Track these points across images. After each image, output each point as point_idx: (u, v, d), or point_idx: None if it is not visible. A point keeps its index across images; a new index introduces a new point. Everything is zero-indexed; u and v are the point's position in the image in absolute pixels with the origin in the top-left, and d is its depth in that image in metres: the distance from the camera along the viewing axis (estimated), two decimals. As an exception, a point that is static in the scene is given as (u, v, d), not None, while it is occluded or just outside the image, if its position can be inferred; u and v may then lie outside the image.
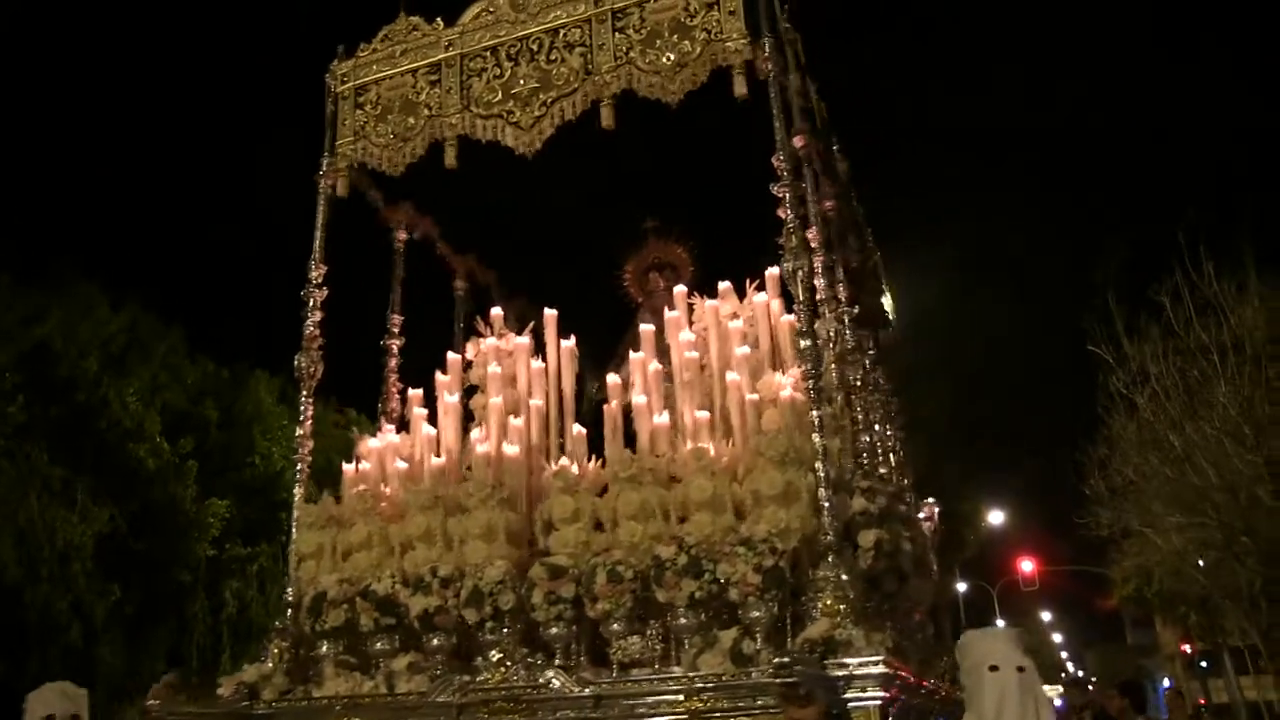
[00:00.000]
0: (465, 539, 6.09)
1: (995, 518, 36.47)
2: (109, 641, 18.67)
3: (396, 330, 7.97)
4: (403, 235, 8.18)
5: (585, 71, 6.75)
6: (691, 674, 5.23)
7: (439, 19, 7.33)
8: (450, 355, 7.44)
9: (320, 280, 7.17)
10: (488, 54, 7.08)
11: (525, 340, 7.32)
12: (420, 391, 7.40)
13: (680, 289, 7.39)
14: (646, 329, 7.16)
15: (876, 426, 7.89)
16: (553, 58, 6.87)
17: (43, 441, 18.53)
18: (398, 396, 7.63)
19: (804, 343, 5.86)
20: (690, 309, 7.26)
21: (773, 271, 6.89)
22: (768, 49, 6.34)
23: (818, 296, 6.85)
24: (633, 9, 6.72)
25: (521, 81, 6.92)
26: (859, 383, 7.38)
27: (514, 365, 7.24)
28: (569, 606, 5.67)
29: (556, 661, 5.62)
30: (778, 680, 4.66)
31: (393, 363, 7.86)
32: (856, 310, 7.73)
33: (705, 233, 8.39)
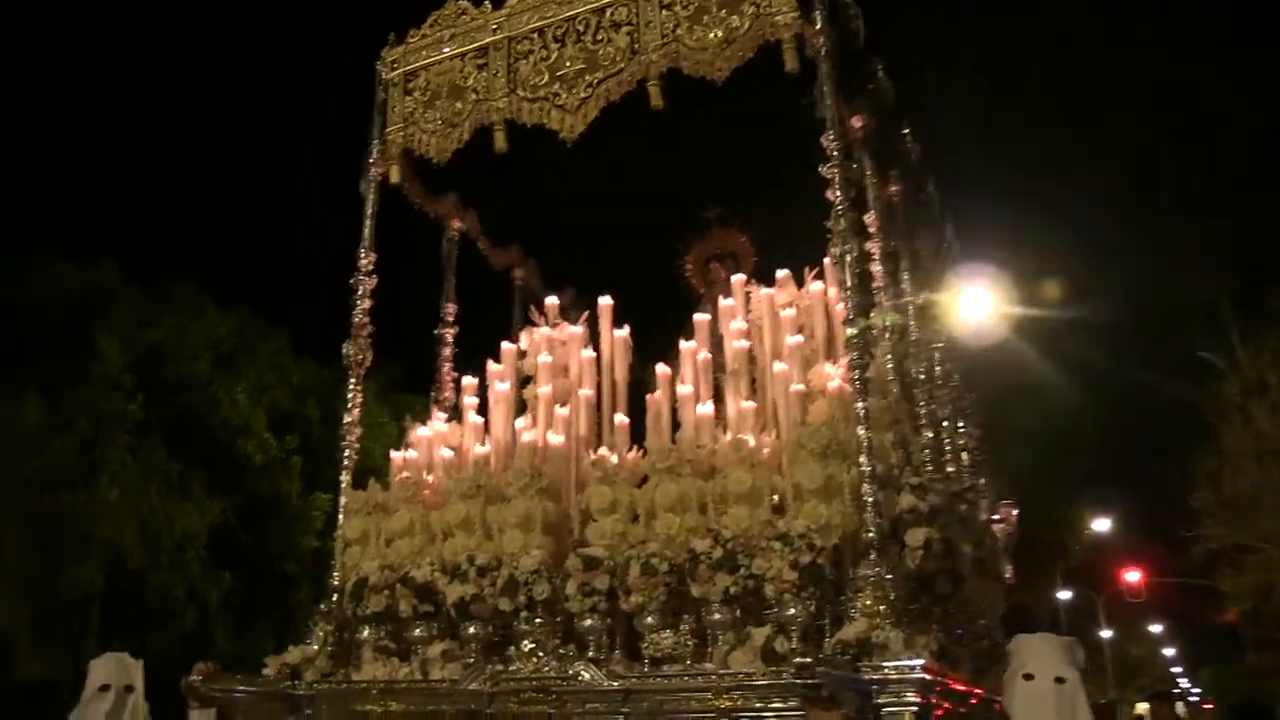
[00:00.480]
0: (504, 528, 6.02)
1: (1100, 525, 35.56)
2: (221, 626, 19.64)
3: (451, 319, 7.95)
4: (457, 224, 8.14)
5: (631, 51, 6.60)
6: (721, 671, 5.10)
7: (487, 2, 7.24)
8: (505, 345, 7.38)
9: (370, 268, 7.15)
10: (534, 36, 6.98)
11: (579, 330, 7.22)
12: (475, 381, 7.36)
13: (738, 278, 7.23)
14: (701, 318, 7.01)
15: (945, 423, 7.65)
16: (599, 38, 6.74)
17: (160, 438, 19.90)
18: (452, 386, 7.60)
19: (850, 331, 5.65)
20: (748, 298, 7.09)
21: (826, 261, 6.69)
22: (819, 22, 6.13)
23: (874, 284, 6.67)
24: (680, -14, 6.55)
25: (568, 63, 6.81)
26: (922, 376, 7.14)
27: (567, 355, 7.14)
28: (603, 599, 5.55)
29: (589, 654, 5.52)
30: (798, 681, 4.49)
31: (446, 352, 7.84)
32: (921, 301, 7.46)
33: (769, 220, 8.17)
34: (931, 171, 8.56)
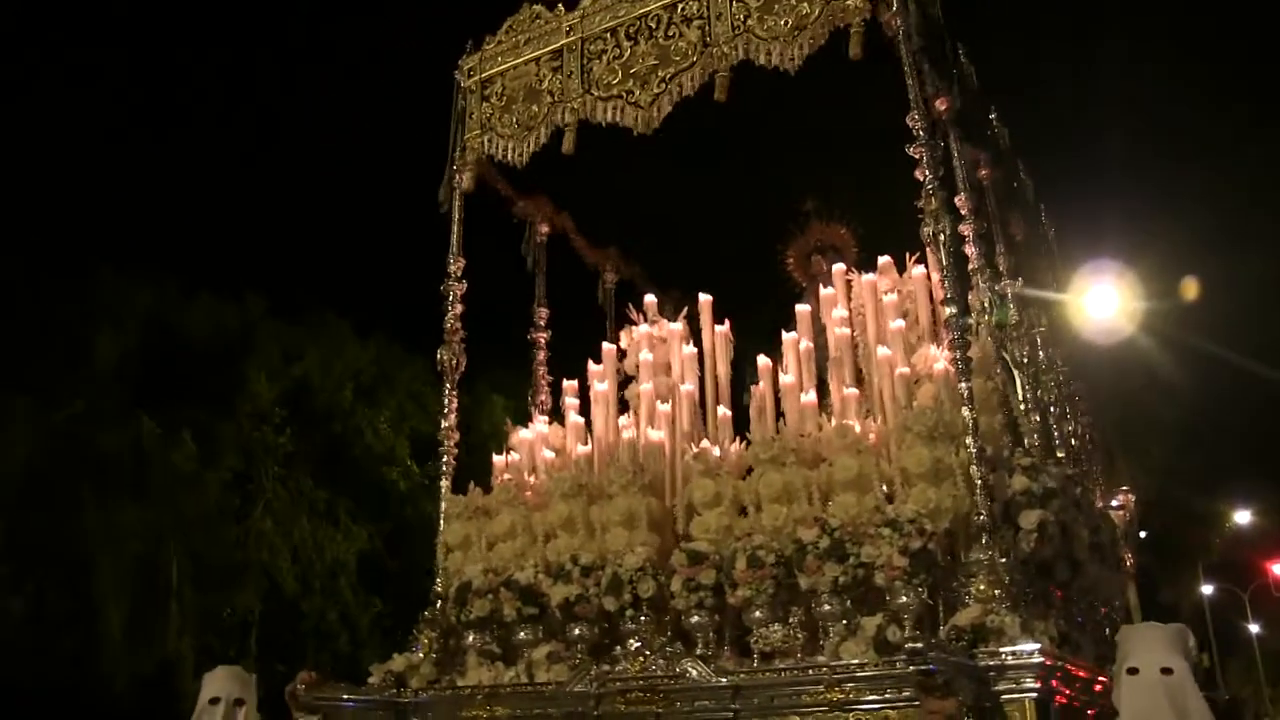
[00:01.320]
0: (607, 527, 5.95)
1: (1242, 518, 34.53)
2: (372, 648, 20.10)
3: (543, 323, 7.96)
4: (545, 229, 8.13)
5: (703, 44, 6.54)
6: (832, 663, 4.96)
7: (560, 5, 7.24)
8: (605, 345, 7.33)
9: (459, 274, 7.16)
10: (608, 35, 6.95)
11: (679, 326, 7.14)
12: (574, 382, 7.32)
13: (838, 267, 7.10)
14: (802, 309, 6.89)
15: (1053, 408, 7.43)
16: (670, 33, 6.69)
17: (308, 468, 20.78)
18: (547, 388, 7.57)
19: (949, 310, 5.49)
20: (849, 286, 6.96)
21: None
22: (894, 5, 6.00)
23: (970, 266, 6.51)
24: (751, -24, 6.47)
25: (640, 60, 6.76)
26: (1025, 359, 6.93)
27: (668, 352, 7.07)
28: (710, 594, 5.44)
29: (697, 651, 5.42)
30: (911, 669, 4.34)
31: (541, 355, 7.83)
32: (1018, 286, 7.25)
33: (870, 210, 8.04)
34: (1023, 155, 8.38)
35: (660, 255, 8.65)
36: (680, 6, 6.75)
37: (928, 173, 5.75)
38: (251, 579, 19.40)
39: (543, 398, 7.58)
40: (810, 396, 6.03)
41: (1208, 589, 36.00)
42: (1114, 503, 7.86)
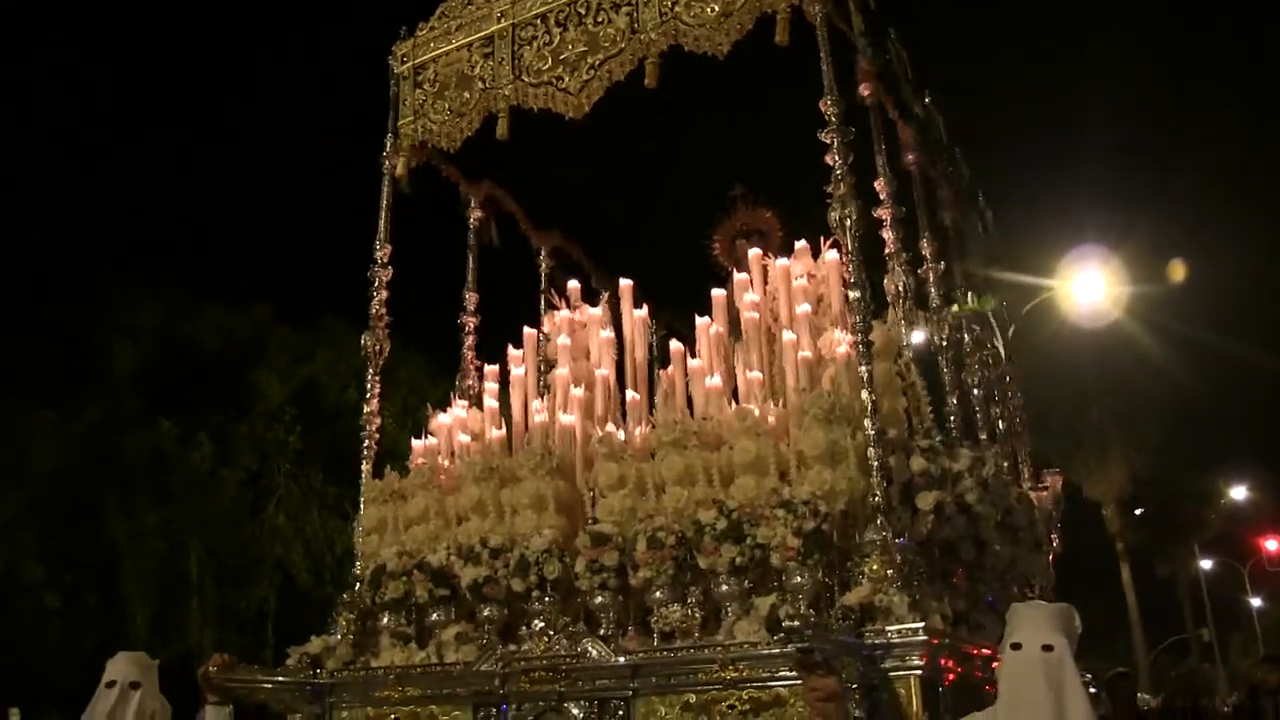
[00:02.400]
0: (516, 509, 6.01)
1: (1238, 494, 34.77)
2: None
3: (472, 308, 8.00)
4: (479, 213, 8.17)
5: (631, 30, 6.58)
6: (725, 643, 5.03)
7: (492, -9, 7.27)
8: (526, 330, 7.38)
9: (386, 260, 7.21)
10: (538, 22, 6.98)
11: (598, 311, 7.20)
12: (496, 367, 7.37)
13: (754, 252, 7.16)
14: (718, 293, 6.95)
15: (977, 391, 7.50)
16: (599, 20, 6.72)
17: (318, 464, 21.70)
18: (475, 373, 7.62)
19: (853, 294, 5.55)
20: (765, 271, 7.01)
21: None
22: None
23: (886, 250, 6.58)
24: (677, -38, 6.51)
25: (570, 46, 6.80)
26: (943, 343, 6.99)
27: (587, 337, 7.12)
28: (613, 575, 5.49)
29: (600, 631, 5.49)
30: (789, 647, 4.40)
31: (470, 340, 7.88)
32: (942, 268, 7.31)
33: (798, 195, 8.09)
34: (959, 142, 8.43)
35: (600, 240, 8.67)
36: (608, -8, 6.79)
37: (837, 158, 5.80)
38: (266, 572, 20.58)
39: (470, 382, 7.62)
40: (715, 380, 6.07)
41: (1206, 564, 36.29)
42: (1040, 484, 7.91)
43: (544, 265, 8.65)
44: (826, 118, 5.87)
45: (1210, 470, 34.69)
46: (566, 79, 6.77)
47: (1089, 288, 19.78)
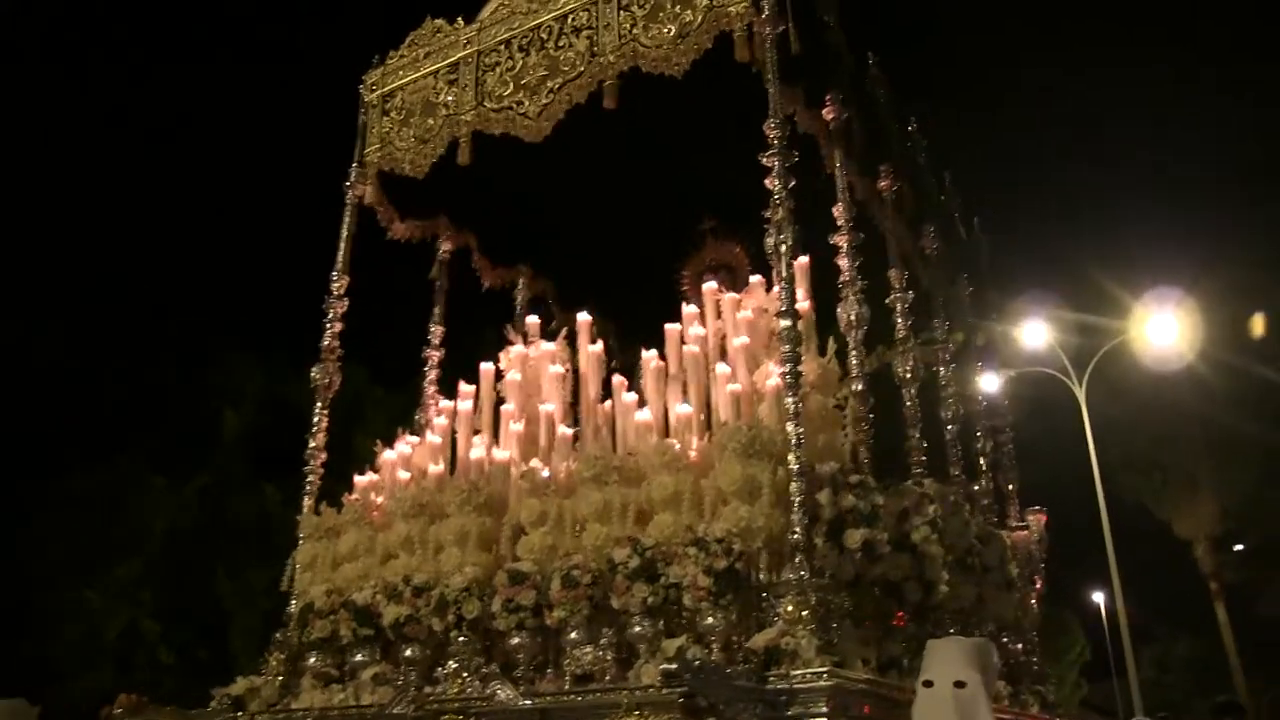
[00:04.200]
0: (442, 546, 5.83)
1: None
2: None
3: (436, 342, 7.90)
4: (448, 246, 8.07)
5: (591, 54, 6.50)
6: (629, 687, 4.78)
7: (460, 19, 7.23)
8: (483, 365, 7.21)
9: (342, 291, 7.11)
10: (502, 48, 6.95)
11: (552, 346, 7.02)
12: (450, 403, 7.21)
13: (709, 285, 6.95)
14: (671, 328, 6.72)
15: (950, 427, 7.20)
16: (561, 44, 6.67)
17: None
18: (436, 406, 7.47)
19: (783, 324, 5.30)
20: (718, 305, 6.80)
21: (802, 261, 6.35)
22: (766, 9, 5.89)
23: (842, 278, 6.35)
24: (637, -15, 6.40)
25: (531, 71, 6.75)
26: (908, 374, 6.70)
27: (539, 373, 6.95)
28: (530, 615, 5.29)
29: (518, 672, 5.26)
30: (665, 691, 4.15)
31: (433, 374, 7.75)
32: (911, 296, 7.03)
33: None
34: (948, 166, 8.18)
35: (572, 273, 8.51)
36: (570, 17, 6.73)
37: (777, 182, 5.60)
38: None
39: (429, 417, 7.46)
40: (645, 414, 5.85)
41: None
42: (1021, 524, 7.55)
43: (519, 299, 8.50)
44: (769, 140, 5.67)
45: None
46: (526, 103, 6.70)
47: (1165, 330, 19.44)
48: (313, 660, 5.97)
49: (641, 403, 6.10)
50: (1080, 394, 18.95)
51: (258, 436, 20.88)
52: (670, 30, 6.27)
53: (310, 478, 6.75)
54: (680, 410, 5.74)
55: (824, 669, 4.43)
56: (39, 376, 20.24)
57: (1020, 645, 7.06)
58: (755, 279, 6.77)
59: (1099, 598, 35.33)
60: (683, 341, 6.51)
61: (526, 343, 7.18)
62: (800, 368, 5.27)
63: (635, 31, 6.38)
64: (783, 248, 5.48)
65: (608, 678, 5.05)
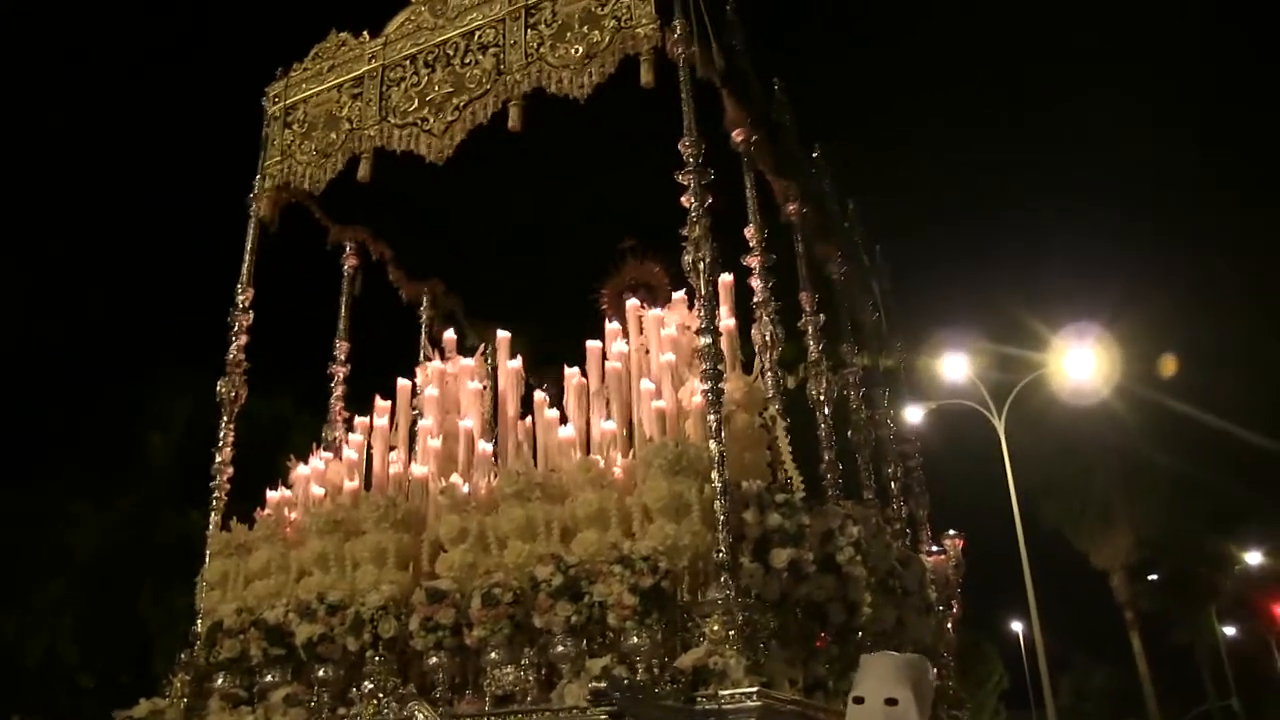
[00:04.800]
0: (358, 563, 5.71)
1: (1253, 559, 34.43)
2: None
3: (343, 357, 7.78)
4: (354, 260, 7.96)
5: (497, 72, 6.45)
6: (551, 709, 4.73)
7: (365, 33, 7.13)
8: (400, 381, 7.10)
9: (247, 304, 6.95)
10: (407, 63, 6.86)
11: (470, 362, 6.95)
12: (365, 419, 7.08)
13: (632, 302, 6.95)
14: (592, 345, 6.70)
15: (862, 451, 7.30)
16: (467, 60, 6.60)
17: None
18: (342, 423, 7.34)
19: (703, 341, 5.32)
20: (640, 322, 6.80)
21: (726, 278, 6.39)
22: (678, 30, 5.92)
23: (755, 299, 6.41)
24: (545, 4, 6.41)
25: (436, 88, 6.67)
26: (821, 396, 6.78)
27: (457, 389, 6.87)
28: (449, 634, 5.20)
29: (436, 693, 5.17)
30: (591, 711, 4.12)
31: (339, 390, 7.62)
32: (823, 320, 7.12)
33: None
34: (849, 191, 8.32)
35: (484, 290, 8.46)
36: (477, 34, 6.67)
37: (694, 199, 5.63)
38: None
39: (337, 434, 7.33)
40: (567, 431, 5.82)
41: (1230, 630, 35.75)
42: (934, 548, 7.68)
43: (424, 314, 8.41)
44: (685, 159, 5.71)
45: (1224, 536, 34.41)
46: (431, 120, 6.62)
47: (1082, 364, 20.01)
48: (221, 681, 5.77)
49: (563, 420, 6.06)
50: (1000, 426, 19.41)
51: (184, 461, 20.34)
52: (578, 50, 6.25)
53: (216, 493, 6.55)
54: (605, 426, 5.71)
55: (753, 689, 4.42)
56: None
57: (936, 670, 7.17)
58: (678, 295, 6.78)
59: (1018, 627, 36.07)
60: (604, 358, 6.50)
61: (444, 359, 7.07)
62: (724, 385, 5.30)
63: (542, 50, 6.36)
64: (700, 265, 5.49)
65: (529, 699, 4.97)
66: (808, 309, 7.08)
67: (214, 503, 6.52)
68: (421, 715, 4.96)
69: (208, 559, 6.33)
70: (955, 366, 19.68)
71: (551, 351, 7.56)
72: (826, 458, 6.63)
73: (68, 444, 19.92)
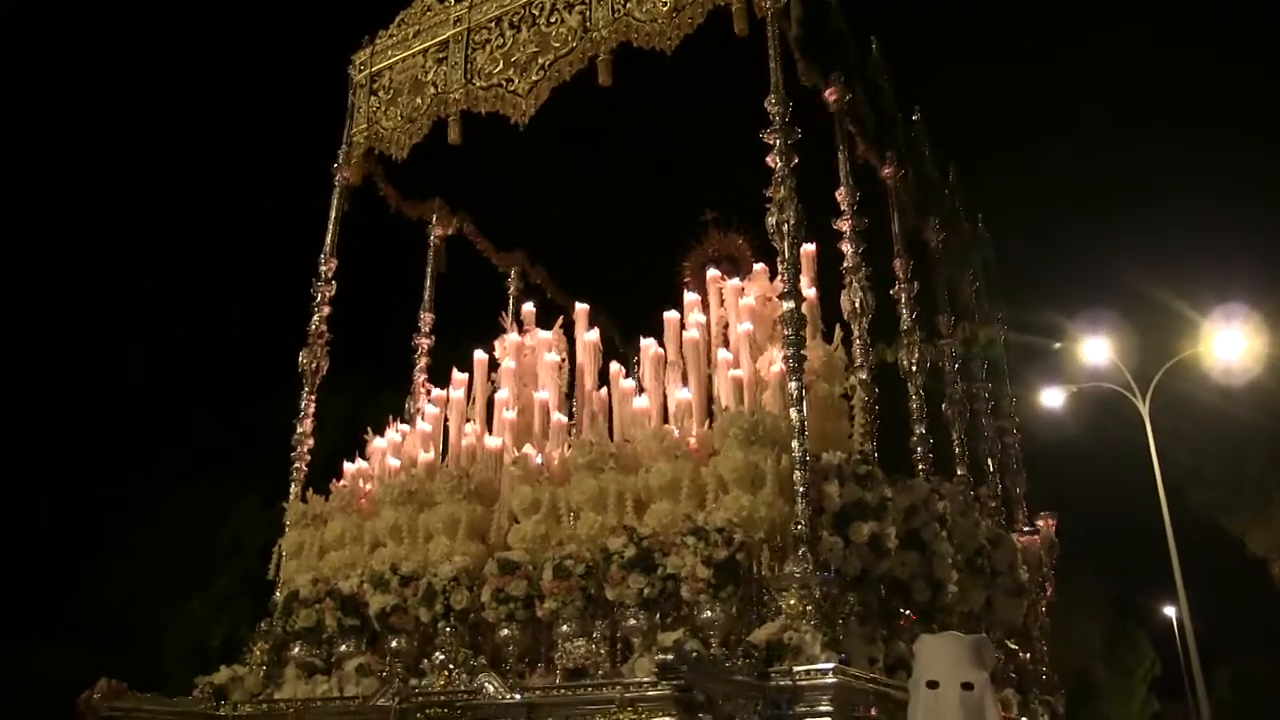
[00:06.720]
0: (431, 534, 5.62)
1: None
2: None
3: (427, 329, 7.72)
4: (440, 232, 7.90)
5: (583, 30, 6.32)
6: (623, 681, 4.58)
7: (452, -2, 7.04)
8: (478, 354, 7.01)
9: (330, 275, 6.93)
10: (493, 25, 6.78)
11: (548, 335, 6.82)
12: (444, 392, 7.01)
13: (712, 273, 6.76)
14: (670, 316, 6.51)
15: (956, 422, 7.01)
16: (553, 20, 6.48)
17: None
18: (426, 395, 7.28)
19: (786, 305, 5.10)
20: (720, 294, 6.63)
21: (808, 248, 6.16)
22: None
23: (845, 264, 6.17)
24: (631, -42, 6.22)
25: (522, 48, 6.58)
26: (914, 367, 6.51)
27: (535, 361, 6.75)
28: (520, 606, 5.09)
29: (506, 665, 5.06)
30: (660, 684, 3.95)
31: (423, 362, 7.57)
32: (917, 288, 6.83)
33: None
34: (951, 158, 8.00)
35: (569, 262, 8.35)
36: (564, -8, 6.54)
37: (779, 160, 5.42)
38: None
39: (419, 406, 7.26)
40: (644, 401, 5.65)
41: None
42: (1028, 529, 7.35)
43: (512, 287, 8.32)
44: (770, 117, 5.49)
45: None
46: (516, 81, 6.53)
47: (1231, 345, 19.35)
48: (297, 650, 5.76)
49: (639, 390, 5.90)
50: (1144, 409, 18.80)
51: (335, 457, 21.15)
52: (664, 4, 6.10)
53: (296, 464, 6.53)
54: (680, 396, 5.52)
55: (830, 665, 4.24)
56: (132, 398, 20.37)
57: (1029, 654, 6.88)
58: (759, 267, 6.58)
59: (1170, 612, 34.95)
60: (683, 328, 6.32)
61: (522, 331, 6.96)
62: (805, 353, 5.09)
63: (629, 5, 6.22)
64: (785, 227, 5.29)
65: (600, 672, 4.85)
66: (901, 276, 6.80)
67: (294, 474, 6.48)
68: (491, 687, 4.86)
69: (285, 529, 6.29)
70: (1097, 350, 19.05)
71: (634, 325, 7.43)
72: (917, 431, 6.35)
73: (238, 447, 20.42)
